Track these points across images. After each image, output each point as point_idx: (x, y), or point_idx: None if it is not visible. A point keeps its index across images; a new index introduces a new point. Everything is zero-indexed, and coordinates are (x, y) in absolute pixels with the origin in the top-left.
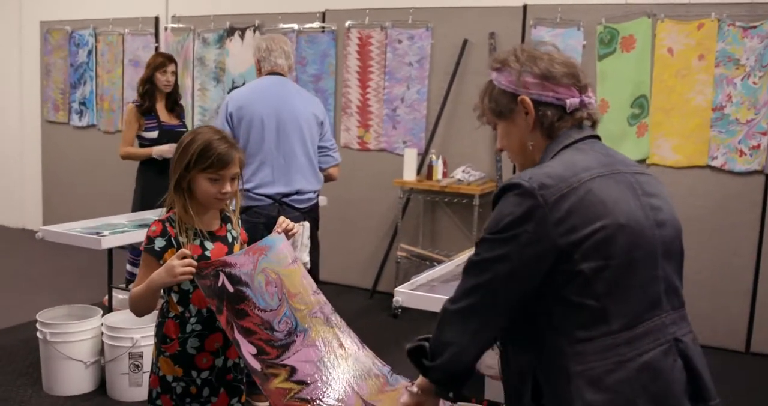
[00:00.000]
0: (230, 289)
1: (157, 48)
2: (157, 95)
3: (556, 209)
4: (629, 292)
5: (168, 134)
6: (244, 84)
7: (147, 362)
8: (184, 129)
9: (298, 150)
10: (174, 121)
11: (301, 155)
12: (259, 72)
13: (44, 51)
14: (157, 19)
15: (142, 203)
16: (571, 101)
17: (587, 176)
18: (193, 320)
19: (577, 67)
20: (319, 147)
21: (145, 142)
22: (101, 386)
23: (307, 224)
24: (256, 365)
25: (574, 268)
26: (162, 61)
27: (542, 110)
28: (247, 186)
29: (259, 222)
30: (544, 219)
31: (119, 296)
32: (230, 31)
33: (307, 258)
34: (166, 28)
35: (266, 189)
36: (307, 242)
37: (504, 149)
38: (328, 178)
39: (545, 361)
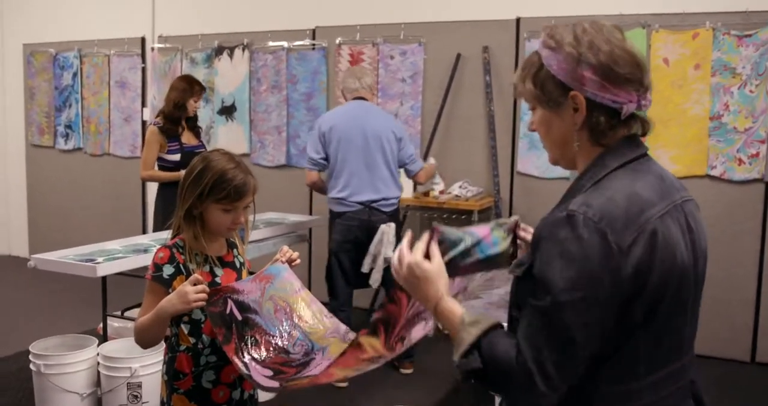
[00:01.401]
0: (239, 316)
1: (143, 69)
2: (182, 119)
3: (629, 257)
4: (663, 338)
5: (190, 156)
6: (233, 104)
7: (146, 393)
8: (204, 149)
9: (380, 163)
10: (194, 142)
11: (383, 168)
12: (345, 98)
13: (28, 74)
14: (143, 40)
15: (164, 222)
16: (628, 107)
17: (653, 215)
18: (207, 351)
19: (642, 63)
20: (405, 158)
21: (167, 165)
22: None
23: (392, 225)
24: (272, 384)
25: (628, 316)
26: (199, 90)
27: (596, 113)
28: (341, 195)
29: (352, 225)
30: (618, 269)
31: (114, 323)
32: (219, 50)
33: (391, 254)
34: (153, 49)
35: (357, 197)
36: (393, 239)
37: (536, 131)
38: (417, 182)
39: (570, 401)
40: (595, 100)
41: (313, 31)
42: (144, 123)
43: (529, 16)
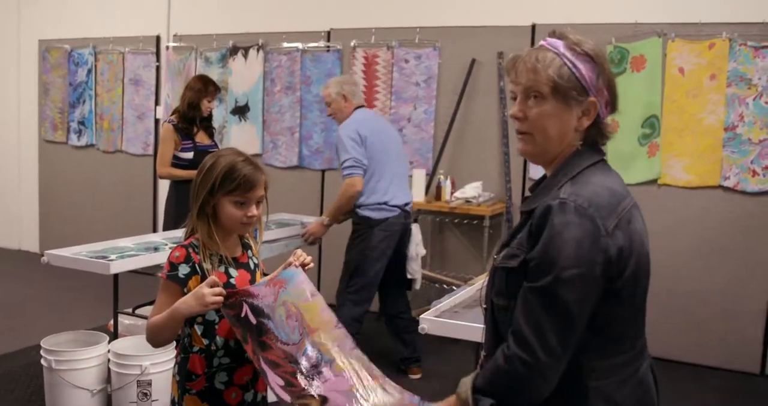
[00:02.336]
0: (253, 320)
1: (158, 67)
2: (196, 118)
3: (614, 239)
4: (638, 317)
5: (203, 155)
6: (246, 104)
7: (156, 391)
8: (217, 148)
9: (405, 168)
10: (207, 142)
11: (406, 172)
12: (350, 103)
13: (43, 70)
14: (158, 38)
15: (176, 221)
16: (607, 120)
17: (627, 206)
18: (220, 352)
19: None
20: None
21: (181, 162)
22: None
23: (417, 225)
24: (285, 396)
25: (614, 295)
26: (213, 90)
27: (599, 120)
28: (384, 199)
29: (395, 230)
30: (606, 249)
31: (125, 321)
32: (233, 50)
33: (423, 251)
34: (167, 47)
35: (396, 201)
36: (419, 239)
37: (526, 119)
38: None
39: (561, 378)
40: (600, 109)
41: (328, 33)
42: (157, 121)
43: (545, 22)
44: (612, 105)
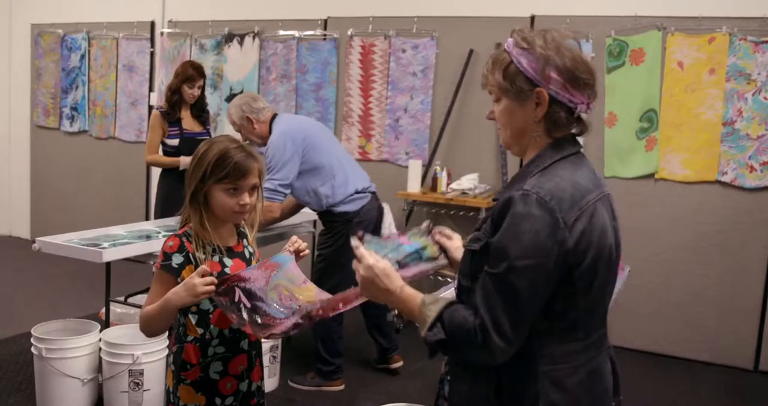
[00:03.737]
0: (248, 304)
1: (152, 53)
2: (182, 104)
3: (572, 231)
4: (596, 307)
5: (189, 142)
6: (242, 91)
7: (148, 380)
8: (208, 136)
9: (344, 150)
10: (198, 129)
11: (348, 154)
12: (261, 122)
13: (35, 54)
14: (153, 24)
15: (162, 210)
16: (580, 108)
17: (591, 200)
18: (215, 342)
19: (594, 73)
20: None
21: (167, 149)
22: (99, 404)
23: (387, 205)
24: (294, 321)
25: (570, 285)
26: (192, 74)
27: (555, 109)
28: (351, 189)
29: (372, 216)
30: (564, 241)
31: (117, 309)
32: (229, 37)
33: (396, 231)
34: (162, 33)
35: (360, 184)
36: (391, 218)
37: (495, 120)
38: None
39: (514, 360)
40: (556, 98)
41: (325, 21)
42: (151, 108)
43: (544, 14)
44: (574, 83)
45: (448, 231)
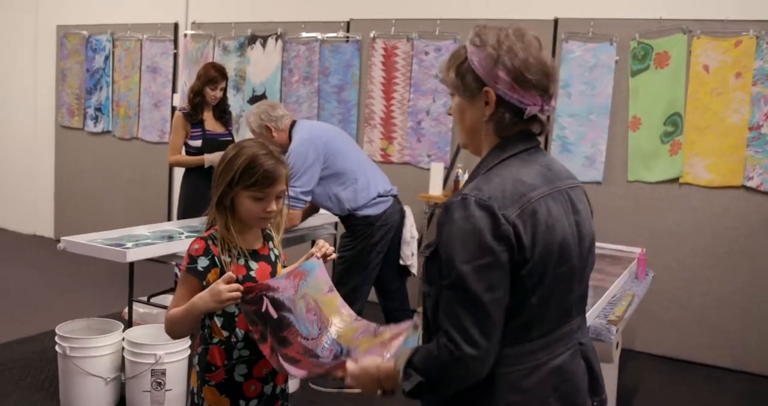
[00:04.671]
0: (274, 315)
1: (175, 55)
2: (204, 106)
3: (515, 227)
4: (551, 303)
5: (212, 143)
6: (264, 93)
7: (170, 380)
8: (230, 138)
9: (365, 155)
10: (220, 130)
11: (368, 158)
12: (280, 130)
13: (60, 55)
14: (176, 26)
15: (186, 209)
16: (531, 109)
17: (535, 196)
18: (240, 344)
19: (550, 74)
20: None
21: (190, 150)
22: (121, 403)
23: (409, 207)
24: (315, 369)
25: (518, 283)
26: (214, 76)
27: (502, 110)
28: (374, 193)
29: (395, 220)
30: (508, 237)
31: (139, 309)
32: (252, 39)
33: (417, 233)
34: (185, 35)
35: (383, 187)
36: (412, 220)
37: (453, 117)
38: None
39: None
40: (504, 98)
41: (348, 23)
42: (174, 109)
43: (568, 16)
44: (522, 83)
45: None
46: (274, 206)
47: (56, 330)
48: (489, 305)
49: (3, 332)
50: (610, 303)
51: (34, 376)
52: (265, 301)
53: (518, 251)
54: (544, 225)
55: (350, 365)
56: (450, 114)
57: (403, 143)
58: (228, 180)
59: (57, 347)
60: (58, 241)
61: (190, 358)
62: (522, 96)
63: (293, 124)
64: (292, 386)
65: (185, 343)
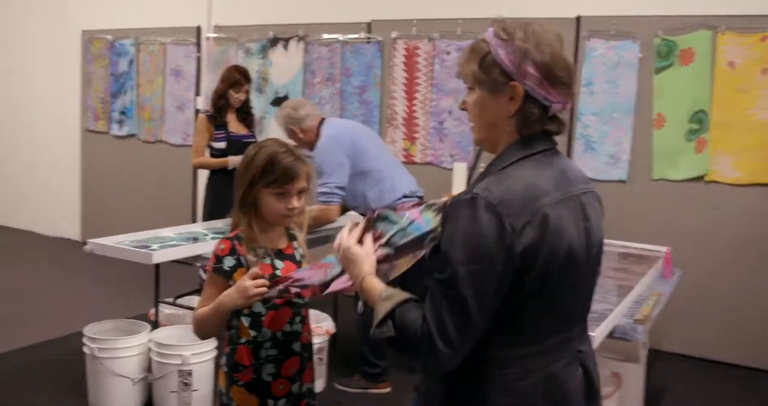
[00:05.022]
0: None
1: (198, 58)
2: (228, 108)
3: (522, 236)
4: (553, 310)
5: (236, 145)
6: (286, 95)
7: (197, 381)
8: (254, 139)
9: (391, 155)
10: (244, 131)
11: (395, 159)
12: (305, 131)
13: (85, 60)
14: (198, 29)
15: (211, 212)
16: (555, 107)
17: (548, 202)
18: (267, 344)
19: (573, 73)
20: None
21: (214, 152)
22: (148, 403)
23: None
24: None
25: (519, 288)
26: (238, 79)
27: (529, 105)
28: (399, 194)
29: None
30: (512, 246)
31: (165, 310)
32: (274, 41)
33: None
34: (208, 38)
35: (409, 188)
36: None
37: (467, 111)
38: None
39: (466, 363)
40: (531, 93)
41: (369, 24)
42: (197, 111)
43: (590, 14)
44: (550, 80)
45: None
46: (295, 203)
47: (84, 331)
48: (473, 310)
49: (32, 333)
50: (636, 302)
51: (63, 376)
52: (292, 291)
53: (521, 258)
54: (553, 232)
55: (348, 242)
56: (463, 109)
57: (425, 143)
58: (249, 179)
59: (85, 348)
60: (85, 243)
61: (217, 359)
62: (548, 93)
63: (323, 121)
64: (317, 386)
65: (211, 344)
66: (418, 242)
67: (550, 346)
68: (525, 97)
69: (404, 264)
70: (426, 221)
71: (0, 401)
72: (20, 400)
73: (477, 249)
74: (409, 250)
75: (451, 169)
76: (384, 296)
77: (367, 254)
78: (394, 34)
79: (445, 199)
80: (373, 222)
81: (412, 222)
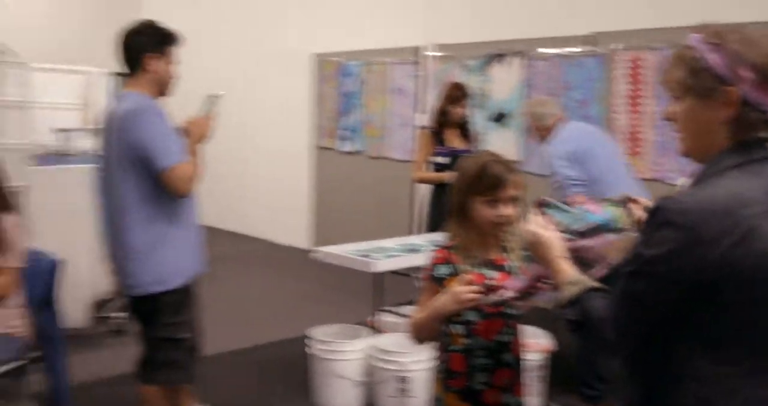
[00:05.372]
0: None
1: (417, 76)
2: (448, 124)
3: (718, 245)
4: (755, 329)
5: (457, 159)
6: (504, 112)
7: (415, 388)
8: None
9: (623, 166)
10: (464, 146)
11: (626, 171)
12: (542, 129)
13: (317, 81)
14: (418, 49)
15: (434, 223)
16: None
17: (752, 214)
18: (479, 353)
19: None
20: None
21: (437, 167)
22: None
23: None
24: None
25: (713, 298)
26: (457, 95)
27: (746, 111)
28: None
29: None
30: (703, 257)
31: (384, 318)
32: (492, 58)
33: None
34: (428, 57)
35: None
36: None
37: (675, 120)
38: None
39: (663, 371)
40: (747, 98)
41: (590, 36)
42: (419, 127)
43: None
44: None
45: (645, 201)
46: (506, 211)
47: (311, 334)
48: (646, 308)
49: (263, 334)
50: None
51: (291, 375)
52: (505, 296)
53: (718, 268)
54: (758, 244)
55: (536, 227)
56: (668, 119)
57: (650, 158)
58: (463, 189)
59: (311, 349)
60: (311, 251)
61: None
62: (766, 96)
63: (561, 121)
64: (535, 403)
65: (429, 352)
66: (599, 230)
67: (752, 369)
68: (740, 102)
69: (612, 253)
70: (606, 213)
71: (231, 393)
72: (250, 391)
73: (663, 254)
74: (591, 237)
75: (676, 185)
76: (570, 281)
77: (557, 238)
78: (615, 46)
79: (625, 194)
80: (542, 208)
81: (586, 213)
